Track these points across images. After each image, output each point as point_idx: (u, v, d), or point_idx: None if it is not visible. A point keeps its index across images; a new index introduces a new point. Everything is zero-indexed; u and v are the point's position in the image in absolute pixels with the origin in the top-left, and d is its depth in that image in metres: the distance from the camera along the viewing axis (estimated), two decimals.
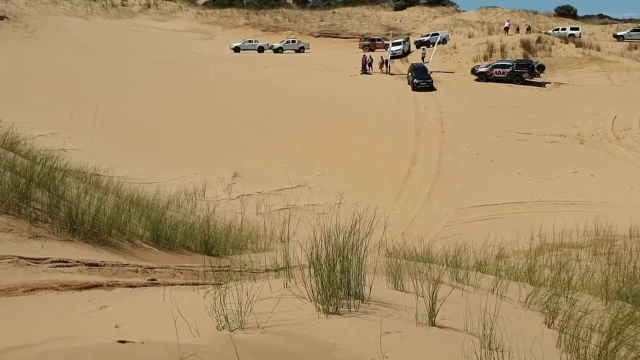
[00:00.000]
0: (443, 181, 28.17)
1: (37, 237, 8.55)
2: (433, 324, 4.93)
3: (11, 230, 8.40)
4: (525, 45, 56.47)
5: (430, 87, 46.29)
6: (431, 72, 50.92)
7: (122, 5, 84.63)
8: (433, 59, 52.46)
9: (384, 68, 52.56)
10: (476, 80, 48.82)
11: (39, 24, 66.70)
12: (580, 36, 64.51)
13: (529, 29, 67.88)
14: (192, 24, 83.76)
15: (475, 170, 29.25)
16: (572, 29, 69.03)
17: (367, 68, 52.46)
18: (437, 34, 65.96)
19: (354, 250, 5.30)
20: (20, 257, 7.47)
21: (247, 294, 4.57)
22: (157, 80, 45.63)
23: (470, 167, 29.69)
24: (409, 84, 47.20)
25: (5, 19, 63.46)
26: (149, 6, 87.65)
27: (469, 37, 66.26)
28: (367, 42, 68.82)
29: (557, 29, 68.82)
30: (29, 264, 7.42)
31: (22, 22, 65.16)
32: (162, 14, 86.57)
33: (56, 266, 7.66)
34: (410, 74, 47.88)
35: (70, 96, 37.48)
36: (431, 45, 59.95)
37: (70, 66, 48.09)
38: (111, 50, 57.33)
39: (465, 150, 32.26)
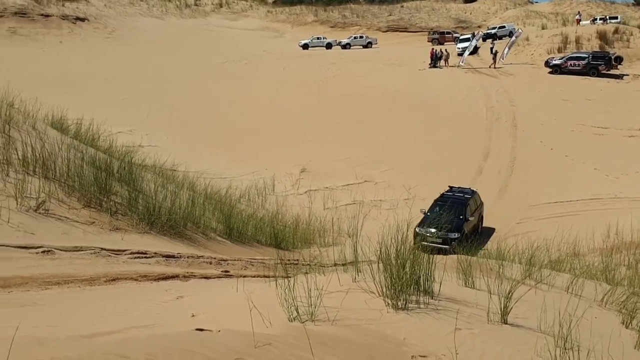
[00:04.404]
0: (515, 177, 27.48)
1: (117, 229, 8.96)
2: (505, 322, 4.88)
3: (93, 222, 8.85)
4: (602, 36, 54.12)
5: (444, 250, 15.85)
6: (504, 64, 49.58)
7: (196, 5, 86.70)
8: (508, 54, 51.10)
9: (449, 62, 51.77)
10: (550, 72, 47.26)
11: (117, 24, 69.30)
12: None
13: (605, 19, 65.13)
14: (262, 23, 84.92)
15: (549, 165, 28.38)
16: (610, 17, 66.09)
17: (437, 62, 51.74)
18: (504, 27, 64.17)
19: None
20: (102, 249, 7.87)
21: (317, 287, 4.66)
22: (229, 78, 46.55)
23: (544, 162, 28.82)
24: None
25: (86, 20, 66.31)
26: (221, 5, 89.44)
27: (542, 28, 64.11)
28: (435, 36, 67.76)
29: (595, 19, 66.18)
30: (110, 255, 7.81)
31: (101, 23, 67.89)
32: (233, 13, 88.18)
33: (135, 257, 8.04)
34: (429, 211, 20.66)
35: (147, 94, 38.81)
36: (497, 39, 58.40)
37: (147, 65, 49.77)
38: (185, 50, 58.89)
39: (539, 145, 31.32)
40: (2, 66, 35.30)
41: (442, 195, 21.38)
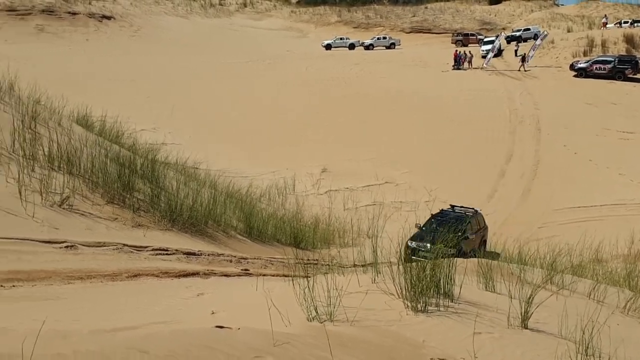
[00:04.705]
0: (538, 181, 27.20)
1: (139, 225, 9.08)
2: (526, 326, 4.85)
3: (116, 219, 8.96)
4: (629, 39, 53.26)
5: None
6: (529, 68, 49.05)
7: (220, 4, 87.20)
8: (532, 56, 50.60)
9: (472, 64, 51.48)
10: (575, 76, 46.73)
11: (142, 23, 70.02)
12: None
13: (633, 22, 64.10)
14: (286, 23, 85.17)
15: (573, 170, 28.04)
16: (634, 21, 64.90)
17: (461, 64, 51.48)
18: (529, 29, 63.60)
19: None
20: (125, 245, 7.97)
21: (336, 288, 4.67)
22: (252, 77, 46.76)
23: (568, 166, 28.49)
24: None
25: (112, 18, 67.14)
26: (245, 5, 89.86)
27: (568, 31, 63.41)
28: (459, 38, 67.41)
29: (622, 22, 65.16)
30: (132, 251, 7.91)
31: (127, 22, 68.66)
32: (257, 13, 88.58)
33: (157, 254, 8.13)
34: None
35: (170, 92, 39.15)
36: (522, 42, 57.82)
37: (171, 63, 50.19)
38: (209, 49, 59.29)
39: (563, 149, 30.98)
40: (29, 63, 35.84)
41: (442, 211, 19.27)
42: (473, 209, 19.83)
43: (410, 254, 14.97)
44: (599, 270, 10.73)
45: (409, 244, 16.41)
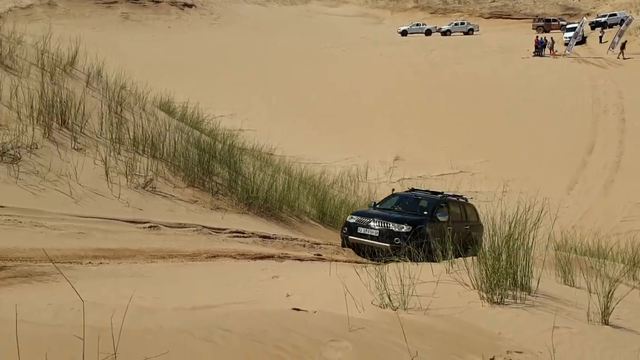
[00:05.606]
0: (622, 173, 25.99)
1: (217, 208, 9.38)
2: (606, 322, 4.71)
3: (196, 201, 9.29)
4: None
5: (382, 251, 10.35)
6: (614, 53, 46.77)
7: None
8: (619, 43, 48.16)
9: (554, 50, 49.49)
10: None
11: (222, 11, 71.39)
12: None
13: None
14: (361, 9, 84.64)
15: None
16: None
17: (542, 50, 49.73)
18: (615, 15, 60.43)
19: (521, 241, 5.20)
20: (204, 227, 8.27)
21: (409, 276, 4.68)
22: (328, 64, 46.87)
23: None
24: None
25: (193, 6, 68.76)
26: None
27: None
28: (541, 23, 65.00)
29: None
30: (211, 233, 8.19)
31: (207, 10, 70.17)
32: (333, 0, 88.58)
33: (234, 236, 8.39)
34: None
35: (248, 79, 39.81)
36: (608, 28, 55.02)
37: (250, 51, 50.96)
38: (286, 36, 59.76)
39: None
40: (115, 51, 37.32)
41: (412, 189, 14.37)
42: (462, 196, 14.35)
43: (346, 232, 11.20)
44: None
45: (348, 219, 11.71)
